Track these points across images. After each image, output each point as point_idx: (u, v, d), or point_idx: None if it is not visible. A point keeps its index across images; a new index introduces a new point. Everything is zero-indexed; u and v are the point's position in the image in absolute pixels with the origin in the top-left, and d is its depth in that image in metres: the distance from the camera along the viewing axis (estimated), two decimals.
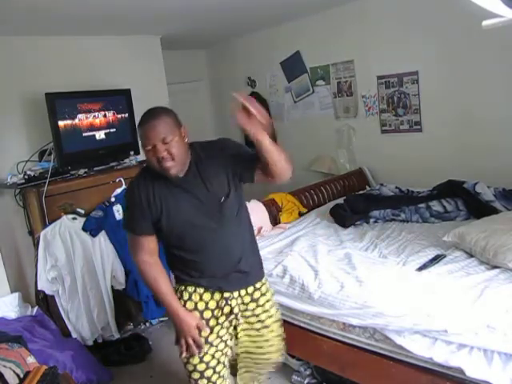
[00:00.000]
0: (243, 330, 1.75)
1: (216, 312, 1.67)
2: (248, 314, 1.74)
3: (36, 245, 2.89)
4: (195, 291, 1.65)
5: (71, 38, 3.57)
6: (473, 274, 1.95)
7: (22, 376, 1.59)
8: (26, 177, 3.05)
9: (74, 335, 2.89)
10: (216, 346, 1.67)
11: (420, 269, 2.09)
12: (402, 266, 2.18)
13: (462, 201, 2.83)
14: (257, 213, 3.04)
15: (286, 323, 2.35)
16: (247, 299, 1.72)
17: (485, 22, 1.60)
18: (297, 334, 2.32)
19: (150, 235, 1.62)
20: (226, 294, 1.66)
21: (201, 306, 1.65)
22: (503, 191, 2.80)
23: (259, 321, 1.76)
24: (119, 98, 3.55)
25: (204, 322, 1.65)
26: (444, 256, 2.19)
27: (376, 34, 3.60)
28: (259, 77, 4.73)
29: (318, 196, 3.62)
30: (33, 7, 2.69)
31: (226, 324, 1.69)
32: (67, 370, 2.30)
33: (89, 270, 2.95)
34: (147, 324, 3.37)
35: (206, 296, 1.66)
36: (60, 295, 2.88)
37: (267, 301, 1.78)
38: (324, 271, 2.21)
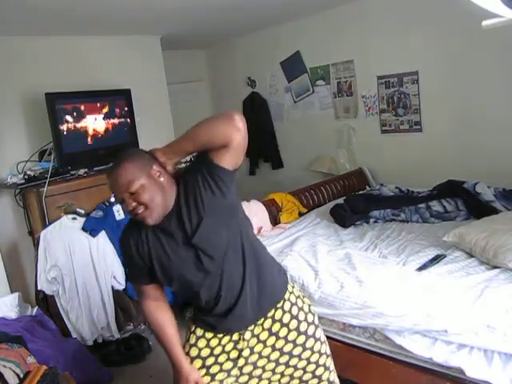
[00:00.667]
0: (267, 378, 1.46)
1: (220, 358, 1.44)
2: (267, 353, 1.44)
3: (36, 245, 2.89)
4: (203, 336, 1.46)
5: (71, 38, 3.57)
6: (473, 274, 1.95)
7: (21, 376, 1.59)
8: (26, 177, 3.05)
9: (74, 335, 2.89)
10: None
11: (420, 269, 2.09)
12: (402, 266, 2.18)
13: (462, 201, 2.83)
14: (257, 213, 3.05)
15: None
16: (264, 335, 1.43)
17: (485, 22, 1.60)
18: None
19: (150, 283, 1.45)
20: (235, 337, 1.43)
21: (205, 353, 1.45)
22: (503, 191, 2.80)
23: (287, 341, 1.44)
24: (119, 98, 3.55)
25: (205, 371, 1.44)
26: (444, 256, 2.19)
27: (376, 34, 3.60)
28: (259, 77, 4.73)
29: (318, 196, 3.63)
30: (33, 7, 2.69)
31: (235, 372, 1.44)
32: (67, 370, 2.30)
33: (89, 270, 2.95)
34: (147, 324, 3.37)
35: (214, 342, 1.45)
36: (60, 295, 2.88)
37: (294, 319, 1.46)
38: (324, 271, 2.21)
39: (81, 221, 2.99)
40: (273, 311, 1.44)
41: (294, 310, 1.47)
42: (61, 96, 3.20)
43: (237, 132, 1.27)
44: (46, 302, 2.90)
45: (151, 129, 4.00)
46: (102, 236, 3.02)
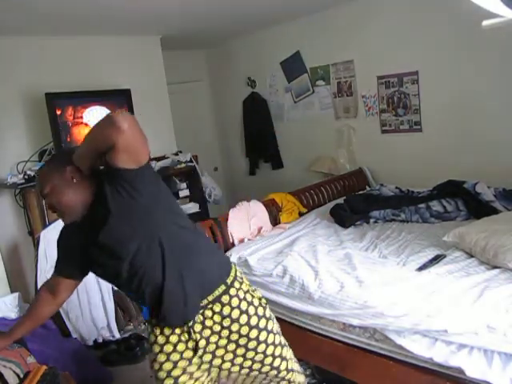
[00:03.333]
0: (226, 361, 1.48)
1: (179, 347, 1.44)
2: (223, 343, 1.45)
3: (36, 245, 2.89)
4: (158, 325, 1.48)
5: (71, 38, 3.57)
6: (473, 274, 1.95)
7: (21, 376, 1.59)
8: (26, 177, 3.05)
9: (74, 335, 2.89)
10: None
11: (420, 269, 2.09)
12: (402, 266, 2.18)
13: (462, 201, 2.83)
14: (257, 213, 3.05)
15: (286, 323, 2.35)
16: (217, 328, 1.44)
17: (485, 22, 1.60)
18: (297, 334, 2.32)
19: (65, 277, 1.54)
20: (186, 328, 1.43)
21: (162, 341, 1.46)
22: (503, 191, 2.79)
23: (241, 335, 1.46)
24: (119, 98, 3.56)
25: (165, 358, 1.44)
26: (444, 256, 2.19)
27: (376, 34, 3.60)
28: (259, 77, 4.73)
29: (318, 196, 3.63)
30: (33, 8, 2.69)
31: (196, 360, 1.45)
32: (67, 370, 2.30)
33: None
34: (147, 324, 3.37)
35: (167, 331, 1.45)
36: None
37: (240, 300, 1.48)
38: (324, 271, 2.20)
39: None
40: (219, 306, 1.44)
41: (244, 305, 1.48)
42: (61, 96, 3.21)
43: (118, 133, 1.22)
44: None
45: (151, 129, 3.99)
46: None
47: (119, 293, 3.06)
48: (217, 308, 1.44)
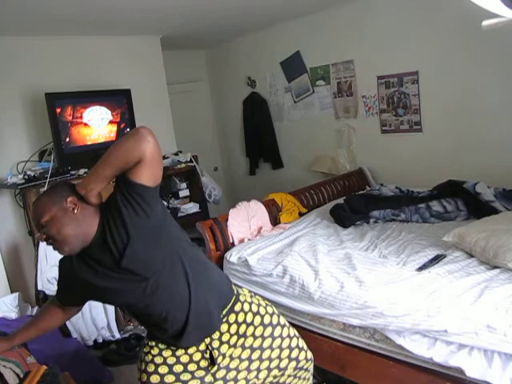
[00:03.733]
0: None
1: (190, 367, 1.44)
2: (238, 354, 1.47)
3: (36, 245, 2.89)
4: (165, 349, 1.47)
5: (71, 38, 3.57)
6: (473, 274, 1.95)
7: (21, 376, 1.59)
8: (26, 177, 3.05)
9: (74, 335, 2.89)
10: None
11: (420, 269, 2.09)
12: (402, 266, 2.18)
13: (462, 201, 2.83)
14: (257, 213, 3.05)
15: None
16: (233, 340, 1.47)
17: (485, 22, 1.60)
18: None
19: (66, 304, 1.56)
20: (202, 347, 1.44)
21: (171, 360, 1.45)
22: (503, 191, 2.79)
23: (256, 337, 1.50)
24: (119, 98, 3.56)
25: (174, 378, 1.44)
26: (444, 256, 2.19)
27: (376, 34, 3.60)
28: (259, 77, 4.73)
29: (318, 196, 3.63)
30: (33, 8, 2.69)
31: (209, 378, 1.44)
32: (67, 370, 2.30)
33: None
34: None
35: (179, 352, 1.45)
36: None
37: (255, 317, 1.52)
38: (324, 271, 2.20)
39: None
40: (234, 316, 1.48)
41: (254, 308, 1.54)
42: (61, 96, 3.21)
43: (147, 143, 1.26)
44: None
45: (151, 129, 4.00)
46: None
47: None
48: (232, 319, 1.48)
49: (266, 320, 1.53)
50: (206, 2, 3.09)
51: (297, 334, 1.64)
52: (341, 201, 3.20)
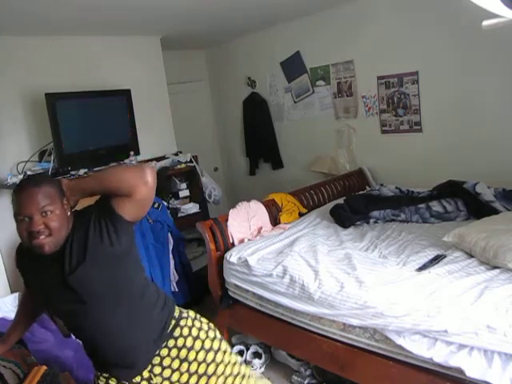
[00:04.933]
0: None
1: None
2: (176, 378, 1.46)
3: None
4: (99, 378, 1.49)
5: (71, 38, 3.57)
6: (473, 275, 1.95)
7: (22, 376, 1.59)
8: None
9: (74, 335, 2.88)
10: None
11: (420, 269, 2.09)
12: (402, 266, 2.18)
13: (462, 201, 2.83)
14: (257, 213, 3.05)
15: (286, 323, 2.36)
16: (176, 364, 1.46)
17: (485, 22, 1.60)
18: (297, 334, 2.32)
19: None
20: (145, 374, 1.45)
21: None
22: (503, 191, 2.79)
23: (199, 363, 1.48)
24: (119, 98, 3.56)
25: None
26: (444, 256, 2.19)
27: (376, 34, 3.60)
28: (259, 77, 4.73)
29: (318, 196, 3.63)
30: (33, 8, 2.69)
31: None
32: (67, 370, 2.30)
33: None
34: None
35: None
36: None
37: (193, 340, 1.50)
38: (324, 271, 2.20)
39: None
40: (173, 341, 1.47)
41: (194, 332, 1.51)
42: (61, 96, 3.20)
43: (143, 185, 1.27)
44: None
45: (151, 129, 4.01)
46: None
47: None
48: (171, 343, 1.46)
49: (207, 345, 1.51)
50: (206, 2, 3.09)
51: (239, 360, 1.62)
52: (341, 201, 3.20)
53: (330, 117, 4.16)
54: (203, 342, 1.50)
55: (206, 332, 1.54)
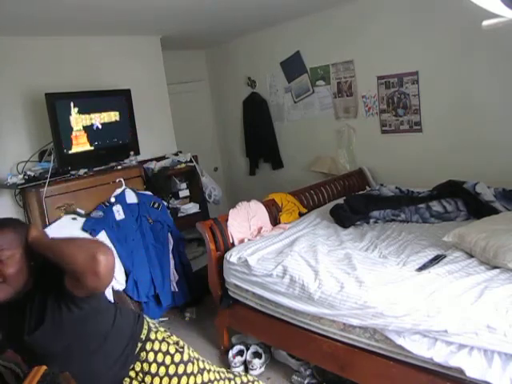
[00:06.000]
0: None
1: None
2: None
3: None
4: None
5: (71, 38, 3.57)
6: (473, 274, 1.95)
7: (22, 376, 1.59)
8: (26, 177, 3.05)
9: None
10: None
11: (420, 269, 2.09)
12: (402, 266, 2.18)
13: (462, 201, 2.83)
14: (257, 213, 3.05)
15: (286, 323, 2.36)
16: (139, 377, 1.46)
17: (485, 22, 1.60)
18: (297, 334, 2.32)
19: None
20: None
21: None
22: (503, 191, 2.79)
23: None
24: (119, 98, 3.55)
25: None
26: (444, 256, 2.19)
27: (376, 34, 3.60)
28: (259, 77, 4.73)
29: (318, 196, 3.63)
30: (33, 8, 2.69)
31: None
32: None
33: None
34: None
35: None
36: None
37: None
38: (324, 271, 2.20)
39: (81, 221, 2.99)
40: (139, 364, 1.45)
41: (160, 357, 1.49)
42: (61, 96, 3.20)
43: (92, 274, 1.14)
44: None
45: (151, 129, 4.01)
46: (103, 236, 3.01)
47: (118, 293, 3.06)
48: (137, 367, 1.45)
49: (171, 370, 1.49)
50: (206, 2, 3.09)
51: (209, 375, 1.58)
52: (341, 201, 3.20)
53: (329, 117, 4.16)
54: (167, 367, 1.49)
55: (172, 356, 1.51)
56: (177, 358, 1.52)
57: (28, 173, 3.09)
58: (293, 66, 4.34)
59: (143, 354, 1.47)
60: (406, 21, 3.39)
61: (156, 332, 1.56)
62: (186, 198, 4.04)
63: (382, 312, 1.86)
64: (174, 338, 1.60)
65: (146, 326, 1.55)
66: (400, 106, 3.60)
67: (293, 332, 2.34)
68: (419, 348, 1.78)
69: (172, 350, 1.53)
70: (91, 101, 3.38)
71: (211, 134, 5.46)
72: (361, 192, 3.54)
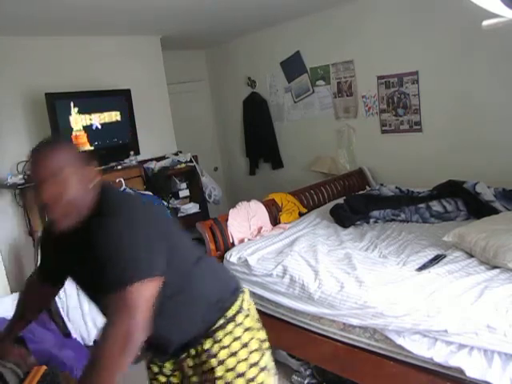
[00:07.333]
0: None
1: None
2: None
3: (36, 245, 2.89)
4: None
5: (71, 38, 3.57)
6: (473, 274, 1.95)
7: (22, 376, 1.59)
8: (26, 177, 3.05)
9: (73, 335, 2.88)
10: None
11: (420, 269, 2.09)
12: (402, 266, 2.18)
13: (462, 201, 2.83)
14: (257, 213, 3.05)
15: (286, 323, 2.36)
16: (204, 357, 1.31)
17: (485, 22, 1.60)
18: (297, 334, 2.32)
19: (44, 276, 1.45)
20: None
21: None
22: (503, 191, 2.79)
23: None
24: (119, 98, 3.56)
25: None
26: (444, 256, 2.19)
27: (376, 34, 3.60)
28: (259, 77, 4.73)
29: (318, 196, 3.63)
30: (33, 8, 2.69)
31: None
32: (67, 370, 2.30)
33: None
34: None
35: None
36: (60, 295, 2.88)
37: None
38: (324, 271, 2.20)
39: None
40: (211, 342, 1.30)
41: (234, 346, 1.32)
42: (61, 96, 3.20)
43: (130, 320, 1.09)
44: None
45: (151, 129, 4.01)
46: None
47: None
48: (209, 343, 1.30)
49: (240, 368, 1.31)
50: (206, 2, 3.09)
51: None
52: (341, 201, 3.20)
53: (329, 117, 4.16)
54: (238, 363, 1.30)
55: (250, 353, 1.33)
56: (254, 357, 1.35)
57: (28, 173, 3.09)
58: (293, 66, 4.34)
59: (220, 333, 1.30)
60: (406, 21, 3.39)
61: (246, 316, 1.37)
62: (186, 197, 4.04)
63: (382, 312, 1.86)
64: (262, 334, 1.44)
65: (238, 303, 1.36)
66: (400, 106, 3.60)
67: (293, 332, 2.34)
68: (419, 348, 1.78)
69: (254, 345, 1.35)
70: (91, 101, 3.39)
71: (211, 134, 5.46)
72: (361, 192, 3.54)
